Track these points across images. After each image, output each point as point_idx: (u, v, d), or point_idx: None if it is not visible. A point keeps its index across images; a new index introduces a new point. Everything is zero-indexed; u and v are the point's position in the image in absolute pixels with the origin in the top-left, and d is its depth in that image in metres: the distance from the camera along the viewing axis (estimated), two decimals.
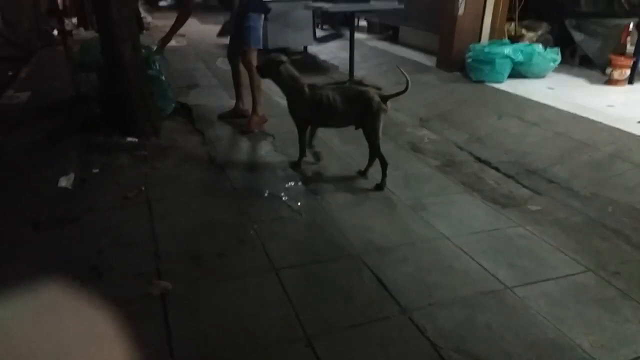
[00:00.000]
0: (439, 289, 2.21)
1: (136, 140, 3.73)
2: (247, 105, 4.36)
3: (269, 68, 3.33)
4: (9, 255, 2.43)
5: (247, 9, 4.01)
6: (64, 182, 3.09)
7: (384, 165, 3.18)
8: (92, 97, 4.60)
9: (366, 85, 3.59)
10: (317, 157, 3.62)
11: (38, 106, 4.65)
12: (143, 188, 3.09)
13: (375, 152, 3.20)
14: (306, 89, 3.25)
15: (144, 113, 3.84)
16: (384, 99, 3.14)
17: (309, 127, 3.46)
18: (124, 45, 3.59)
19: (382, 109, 3.11)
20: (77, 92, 4.69)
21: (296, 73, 3.32)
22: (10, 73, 5.93)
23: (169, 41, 4.22)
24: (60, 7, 6.54)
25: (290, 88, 3.29)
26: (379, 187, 3.18)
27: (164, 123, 4.14)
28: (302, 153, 3.47)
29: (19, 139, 3.85)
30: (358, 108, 3.14)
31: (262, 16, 4.15)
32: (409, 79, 3.15)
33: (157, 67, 4.17)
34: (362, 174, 3.36)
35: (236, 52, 4.25)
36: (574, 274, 2.36)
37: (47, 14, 7.36)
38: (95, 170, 3.31)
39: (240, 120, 4.36)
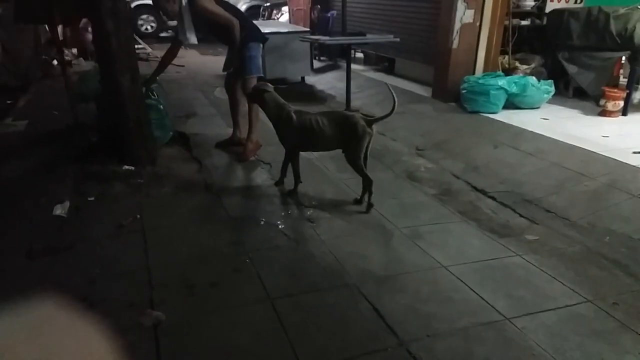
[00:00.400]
0: (437, 320, 2.17)
1: (132, 168, 3.72)
2: (244, 133, 4.39)
3: (256, 96, 3.46)
4: (1, 283, 2.38)
5: (247, 38, 4.09)
6: (59, 210, 3.07)
7: (369, 183, 3.24)
8: (89, 126, 4.62)
9: (366, 115, 3.63)
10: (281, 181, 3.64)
11: (35, 134, 4.66)
12: (138, 216, 3.07)
13: (358, 172, 3.26)
14: (293, 115, 3.30)
15: (140, 142, 3.85)
16: (369, 122, 3.19)
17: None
18: (122, 76, 3.63)
19: (367, 133, 3.16)
20: (75, 121, 4.71)
21: (281, 100, 3.39)
22: (8, 102, 5.97)
23: (157, 75, 4.28)
24: (61, 37, 6.64)
25: (277, 115, 3.35)
26: (369, 206, 3.25)
27: (162, 151, 4.14)
28: (297, 179, 3.48)
29: (15, 166, 3.84)
30: (344, 132, 3.20)
31: (261, 45, 4.23)
32: (396, 100, 3.20)
33: (156, 96, 4.21)
34: (358, 201, 3.36)
35: (234, 81, 4.31)
36: (572, 305, 2.33)
37: (47, 44, 7.48)
38: (91, 199, 3.29)
39: (237, 149, 4.37)
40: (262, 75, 4.25)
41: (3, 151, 4.18)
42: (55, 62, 7.61)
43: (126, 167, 3.71)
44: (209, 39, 4.39)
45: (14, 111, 5.48)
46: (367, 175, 3.25)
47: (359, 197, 3.37)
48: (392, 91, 3.25)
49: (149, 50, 9.72)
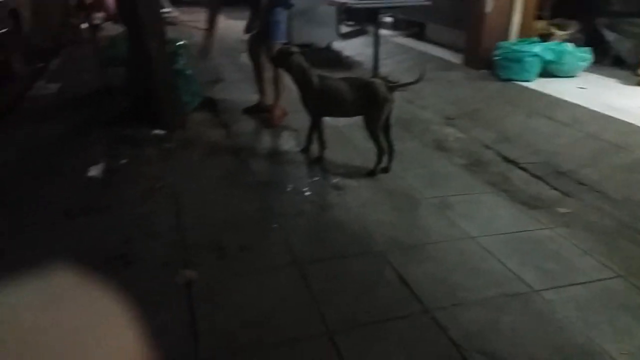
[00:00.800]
0: (463, 290, 2.18)
1: (163, 132, 3.79)
2: (270, 100, 4.38)
3: (281, 59, 3.43)
4: (41, 241, 2.48)
5: (273, 3, 4.02)
6: (94, 172, 3.16)
7: (381, 153, 3.27)
8: (119, 91, 4.68)
9: (390, 81, 3.58)
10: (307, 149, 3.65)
11: (68, 98, 4.75)
12: (169, 179, 3.13)
13: (373, 140, 3.26)
14: (315, 79, 3.28)
15: (170, 107, 3.89)
16: (391, 89, 3.17)
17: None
18: (150, 40, 3.63)
19: (387, 100, 3.14)
20: (105, 85, 4.77)
21: (306, 64, 3.36)
22: (41, 64, 6.07)
23: (211, 44, 4.22)
24: (90, 1, 6.66)
25: (300, 79, 3.34)
26: (372, 173, 3.28)
27: (190, 116, 4.18)
28: (322, 145, 3.48)
29: (50, 129, 3.94)
30: (364, 98, 3.18)
31: (285, 11, 4.17)
32: (424, 73, 3.21)
33: (183, 61, 4.22)
34: (385, 170, 3.35)
35: (259, 47, 4.27)
36: (603, 279, 2.29)
37: (76, 8, 7.51)
38: (124, 161, 3.37)
39: (264, 115, 4.38)
40: (286, 41, 4.20)
41: (38, 113, 4.29)
42: (84, 25, 7.66)
43: (157, 131, 3.77)
44: (234, 2, 4.32)
45: (47, 74, 5.57)
46: (380, 144, 3.25)
47: (385, 166, 3.35)
48: (424, 69, 3.19)
49: (176, 14, 9.66)
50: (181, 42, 4.36)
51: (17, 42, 5.62)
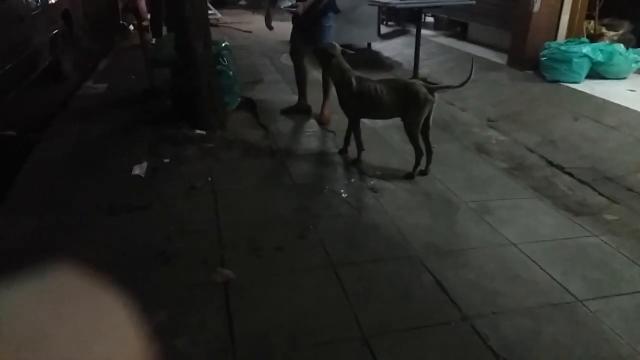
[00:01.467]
0: (504, 298, 2.12)
1: (204, 132, 3.87)
2: (309, 100, 4.41)
3: (322, 56, 3.47)
4: (86, 236, 2.58)
5: (326, 8, 4.07)
6: (138, 170, 3.26)
7: (419, 155, 3.23)
8: (164, 91, 4.82)
9: (430, 83, 3.54)
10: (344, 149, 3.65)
11: (114, 98, 4.93)
12: (209, 179, 3.20)
13: (412, 143, 3.23)
14: (354, 81, 3.27)
15: (211, 107, 3.97)
16: (431, 90, 3.12)
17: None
18: (196, 42, 3.72)
19: (428, 101, 3.10)
20: (151, 86, 4.92)
21: (346, 65, 3.37)
22: (89, 65, 6.31)
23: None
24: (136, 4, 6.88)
25: (339, 79, 3.34)
26: (410, 175, 3.25)
27: (230, 117, 4.25)
28: (360, 147, 3.47)
29: (97, 127, 4.10)
30: (404, 99, 3.15)
31: (335, 15, 4.23)
32: (471, 76, 3.13)
33: (226, 62, 4.30)
34: (423, 172, 3.30)
35: (303, 49, 4.29)
36: None
37: (125, 10, 7.78)
38: (166, 160, 3.46)
39: (301, 116, 4.42)
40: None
41: (85, 112, 4.46)
42: (132, 27, 7.93)
43: (198, 131, 3.86)
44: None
45: (95, 74, 5.79)
46: (419, 147, 3.22)
47: (423, 169, 3.30)
48: (473, 66, 3.11)
49: (219, 15, 9.86)
50: (224, 43, 4.44)
51: (67, 43, 5.87)
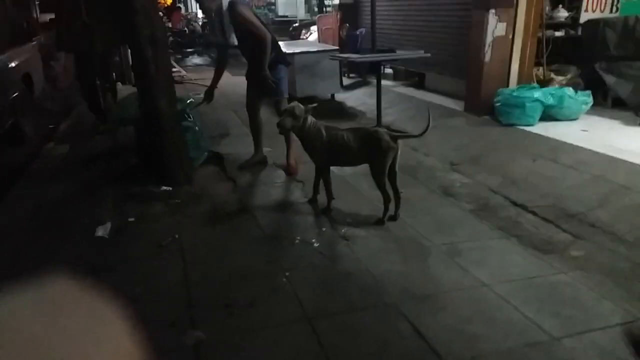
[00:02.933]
0: (482, 341, 2.11)
1: (170, 188, 3.81)
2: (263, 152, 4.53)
3: (296, 118, 3.29)
4: None
5: (276, 60, 4.16)
6: (101, 231, 3.16)
7: (387, 200, 3.28)
8: (129, 148, 4.77)
9: (394, 130, 3.64)
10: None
11: (77, 157, 4.83)
12: (176, 235, 3.12)
13: (379, 188, 3.28)
14: (323, 130, 3.34)
15: (178, 163, 3.94)
16: (394, 138, 3.21)
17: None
18: (160, 100, 3.74)
19: (391, 148, 3.18)
20: (115, 144, 4.87)
21: (313, 118, 3.40)
22: (50, 126, 6.22)
23: (212, 92, 4.45)
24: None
25: (307, 131, 3.35)
26: (380, 221, 3.28)
27: (197, 171, 4.23)
28: (330, 196, 3.49)
29: (58, 188, 3.99)
30: (370, 147, 3.23)
31: (287, 68, 4.34)
32: (429, 125, 3.23)
33: (192, 118, 4.32)
34: (393, 218, 3.33)
35: (258, 102, 4.38)
36: (623, 323, 2.22)
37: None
38: (131, 219, 3.37)
39: (269, 168, 4.43)
40: (286, 96, 4.33)
41: (47, 174, 4.35)
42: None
43: (164, 187, 3.80)
44: (238, 61, 4.47)
45: (56, 135, 5.70)
46: (387, 192, 3.27)
47: (392, 214, 3.34)
48: (430, 115, 3.23)
49: (184, 73, 9.99)
50: (189, 100, 4.47)
51: (28, 106, 5.79)
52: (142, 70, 3.72)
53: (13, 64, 5.65)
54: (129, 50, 4.78)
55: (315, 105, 3.44)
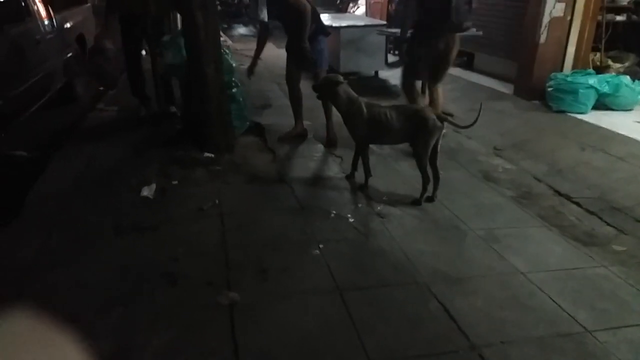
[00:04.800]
0: (512, 327, 2.10)
1: (212, 156, 3.91)
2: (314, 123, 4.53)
3: (327, 89, 3.43)
4: (91, 257, 2.60)
5: (318, 31, 4.16)
6: (146, 191, 3.29)
7: (426, 182, 3.24)
8: (175, 114, 4.89)
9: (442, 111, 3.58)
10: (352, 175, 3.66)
11: (125, 120, 5.00)
12: (217, 201, 3.21)
13: (420, 169, 3.24)
14: (364, 107, 3.31)
15: (221, 131, 4.02)
16: (441, 118, 3.16)
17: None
18: (208, 67, 3.80)
19: (437, 127, 3.13)
20: (162, 109, 5.00)
21: (353, 92, 3.40)
22: (101, 88, 6.43)
23: (255, 64, 4.53)
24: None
25: (347, 107, 3.36)
26: (417, 202, 3.25)
27: (239, 140, 4.30)
28: (368, 173, 3.49)
29: (107, 149, 4.15)
30: (414, 125, 3.18)
31: (326, 38, 4.31)
32: (478, 119, 3.15)
33: (236, 87, 4.37)
34: (430, 199, 3.30)
35: (297, 73, 4.39)
36: None
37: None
38: (175, 182, 3.49)
39: (309, 140, 4.46)
40: (328, 68, 4.33)
41: (96, 134, 4.53)
42: (144, 52, 8.07)
43: (207, 154, 3.90)
44: (283, 32, 4.46)
45: (106, 97, 5.90)
46: (427, 173, 3.23)
47: (430, 195, 3.31)
48: (481, 109, 3.15)
49: (230, 42, 10.06)
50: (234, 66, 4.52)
51: (80, 67, 6.00)
52: (191, 36, 3.78)
53: (68, 25, 5.84)
54: (179, 16, 4.86)
55: (346, 79, 3.47)
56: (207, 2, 3.67)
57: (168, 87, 5.03)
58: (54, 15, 5.42)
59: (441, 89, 4.37)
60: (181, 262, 2.52)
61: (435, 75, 4.31)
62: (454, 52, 4.18)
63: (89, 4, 7.05)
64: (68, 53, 5.69)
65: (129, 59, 4.84)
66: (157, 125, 4.73)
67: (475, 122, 3.17)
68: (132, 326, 2.06)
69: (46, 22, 5.21)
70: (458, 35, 4.10)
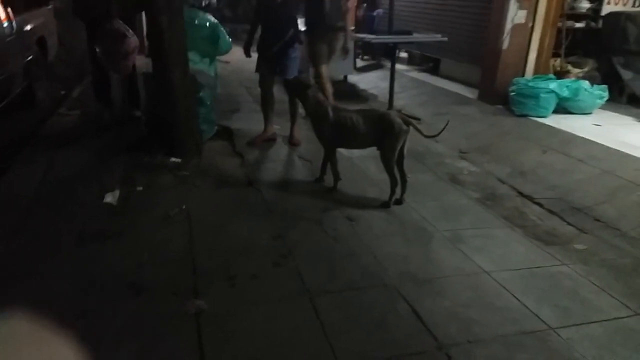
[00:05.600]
0: (478, 326, 2.13)
1: (179, 160, 3.84)
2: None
3: (297, 89, 3.50)
4: (53, 267, 2.50)
5: (294, 39, 4.22)
6: (110, 198, 3.20)
7: (394, 185, 3.29)
8: (139, 118, 4.79)
9: (406, 115, 3.63)
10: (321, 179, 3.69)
11: (88, 124, 4.86)
12: (184, 207, 3.16)
13: (388, 172, 3.29)
14: (330, 111, 3.33)
15: (188, 135, 3.96)
16: (406, 121, 3.21)
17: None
18: (174, 71, 3.73)
19: (403, 131, 3.18)
20: (126, 112, 4.89)
21: (321, 96, 3.43)
22: (63, 92, 6.24)
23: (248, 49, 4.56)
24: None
25: (315, 110, 3.39)
26: (385, 204, 3.29)
27: (207, 145, 4.25)
28: (337, 176, 3.50)
29: (69, 155, 4.02)
30: (380, 129, 3.22)
31: (300, 46, 4.41)
32: (442, 131, 3.31)
33: (204, 91, 4.32)
34: (398, 202, 3.34)
35: (271, 80, 4.40)
36: (621, 318, 2.24)
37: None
38: (140, 188, 3.41)
39: (278, 144, 4.46)
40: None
41: (58, 139, 4.39)
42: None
43: (173, 159, 3.83)
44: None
45: (68, 101, 5.73)
46: (394, 176, 3.28)
47: (398, 197, 3.34)
48: (447, 125, 3.35)
49: None
50: (202, 71, 4.47)
51: (41, 70, 5.81)
52: (156, 39, 3.71)
53: (28, 27, 5.65)
54: (144, 19, 4.78)
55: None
56: (172, 4, 3.61)
57: (134, 91, 4.93)
58: (14, 17, 5.23)
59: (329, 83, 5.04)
60: (146, 270, 2.46)
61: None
62: (336, 45, 4.92)
63: (50, 6, 6.84)
64: (28, 56, 5.49)
65: (95, 63, 4.71)
66: (121, 130, 4.61)
67: (439, 133, 3.30)
68: (94, 340, 1.99)
69: (5, 25, 5.02)
70: (339, 32, 4.85)
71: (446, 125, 3.28)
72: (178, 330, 2.05)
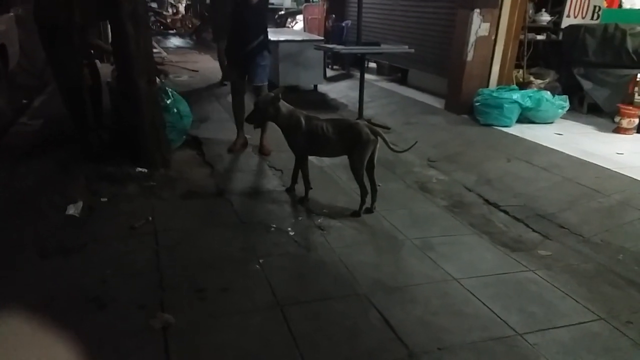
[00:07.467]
0: (448, 333, 2.15)
1: (146, 170, 3.75)
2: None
3: (266, 108, 3.34)
4: (14, 281, 2.40)
5: (266, 46, 4.27)
6: (72, 210, 3.09)
7: (364, 194, 3.31)
8: (104, 127, 4.66)
9: (375, 124, 3.68)
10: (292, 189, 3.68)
11: (50, 134, 4.71)
12: (150, 218, 3.08)
13: (357, 181, 3.30)
14: (303, 120, 3.34)
15: (155, 144, 3.88)
16: (374, 131, 3.24)
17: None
18: (140, 79, 3.66)
19: (371, 140, 3.20)
20: (90, 122, 4.75)
21: (290, 106, 3.42)
22: (24, 101, 6.04)
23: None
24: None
25: (287, 121, 3.37)
26: (356, 213, 3.31)
27: (175, 155, 4.17)
28: (308, 185, 3.50)
29: (31, 165, 3.87)
30: (349, 139, 3.24)
31: (270, 55, 4.43)
32: (410, 148, 3.41)
33: (171, 99, 4.25)
34: (369, 210, 3.36)
35: (243, 85, 4.43)
36: (586, 322, 2.30)
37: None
38: (104, 199, 3.32)
39: (248, 154, 4.44)
40: (267, 83, 4.43)
41: (19, 149, 4.23)
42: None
43: (139, 169, 3.74)
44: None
45: (30, 110, 5.54)
46: (364, 185, 3.30)
47: (369, 206, 3.36)
48: (415, 144, 3.44)
49: (164, 54, 9.82)
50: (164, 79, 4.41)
51: (1, 79, 5.61)
52: (121, 47, 3.63)
53: None
54: (109, 27, 4.68)
55: (284, 87, 3.50)
56: (137, 12, 3.55)
57: (96, 100, 4.79)
58: None
59: None
60: (110, 284, 2.38)
61: None
62: None
63: (11, 14, 6.63)
64: None
65: (61, 85, 4.00)
66: (84, 139, 4.47)
67: (408, 149, 3.40)
68: (57, 357, 1.91)
69: None
70: None
71: (414, 144, 3.39)
72: (144, 346, 1.99)
